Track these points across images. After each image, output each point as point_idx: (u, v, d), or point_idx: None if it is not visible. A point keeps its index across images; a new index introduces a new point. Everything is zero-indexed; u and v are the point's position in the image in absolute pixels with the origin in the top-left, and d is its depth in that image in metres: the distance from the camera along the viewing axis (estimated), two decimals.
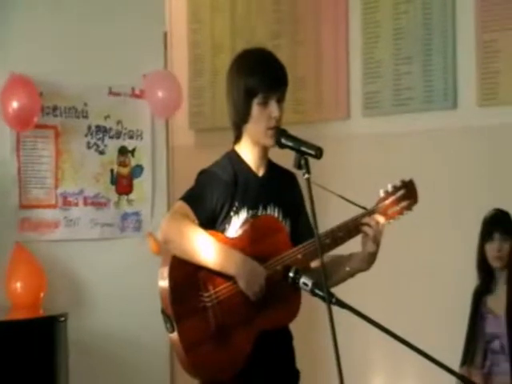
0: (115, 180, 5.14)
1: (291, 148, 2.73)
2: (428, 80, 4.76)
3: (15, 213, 4.80)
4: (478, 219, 4.20)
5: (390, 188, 2.96)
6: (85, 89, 5.01)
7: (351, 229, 2.87)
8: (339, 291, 2.68)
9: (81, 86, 4.98)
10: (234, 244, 2.78)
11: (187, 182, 2.95)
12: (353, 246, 2.90)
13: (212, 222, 2.83)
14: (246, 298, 2.75)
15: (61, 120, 4.95)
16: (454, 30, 4.67)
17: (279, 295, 2.77)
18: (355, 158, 5.07)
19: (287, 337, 2.96)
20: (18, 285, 4.64)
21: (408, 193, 2.97)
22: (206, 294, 2.74)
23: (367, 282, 3.41)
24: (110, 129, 5.12)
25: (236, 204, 2.85)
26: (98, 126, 5.08)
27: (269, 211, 2.91)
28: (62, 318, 4.38)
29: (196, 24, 5.94)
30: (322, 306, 2.56)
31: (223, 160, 2.93)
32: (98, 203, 5.06)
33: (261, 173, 2.94)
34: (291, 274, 2.67)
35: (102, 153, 5.09)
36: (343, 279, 2.93)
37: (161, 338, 3.98)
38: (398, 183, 2.98)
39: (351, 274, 2.92)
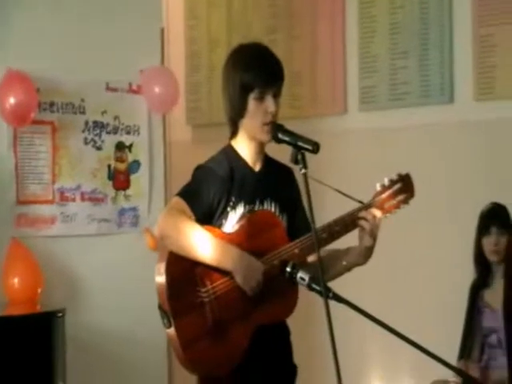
0: (112, 175, 5.14)
1: (288, 143, 2.72)
2: (424, 74, 4.75)
3: (12, 208, 4.80)
4: (475, 213, 4.20)
5: (386, 182, 2.95)
6: (82, 84, 5.00)
7: (348, 223, 2.87)
8: (336, 286, 2.68)
9: (78, 82, 4.98)
10: (230, 239, 2.78)
11: (184, 177, 2.94)
12: (350, 240, 2.90)
13: (209, 217, 2.83)
14: (243, 293, 2.75)
15: (58, 116, 4.95)
16: (451, 25, 4.67)
17: (276, 290, 2.77)
18: (352, 153, 5.07)
19: (284, 332, 2.96)
20: (15, 281, 4.64)
21: (405, 186, 2.96)
22: (203, 290, 2.74)
23: (364, 277, 3.42)
24: (107, 124, 5.12)
25: (233, 199, 2.84)
26: (95, 122, 5.08)
27: (265, 206, 2.91)
28: (60, 314, 4.38)
29: (193, 20, 5.93)
30: (319, 300, 2.56)
31: (219, 155, 2.93)
32: (95, 199, 5.06)
33: (257, 168, 2.94)
34: (288, 269, 2.66)
35: (99, 148, 5.09)
36: (340, 273, 2.93)
37: (158, 334, 3.98)
38: (394, 177, 2.96)
39: (348, 268, 2.92)
